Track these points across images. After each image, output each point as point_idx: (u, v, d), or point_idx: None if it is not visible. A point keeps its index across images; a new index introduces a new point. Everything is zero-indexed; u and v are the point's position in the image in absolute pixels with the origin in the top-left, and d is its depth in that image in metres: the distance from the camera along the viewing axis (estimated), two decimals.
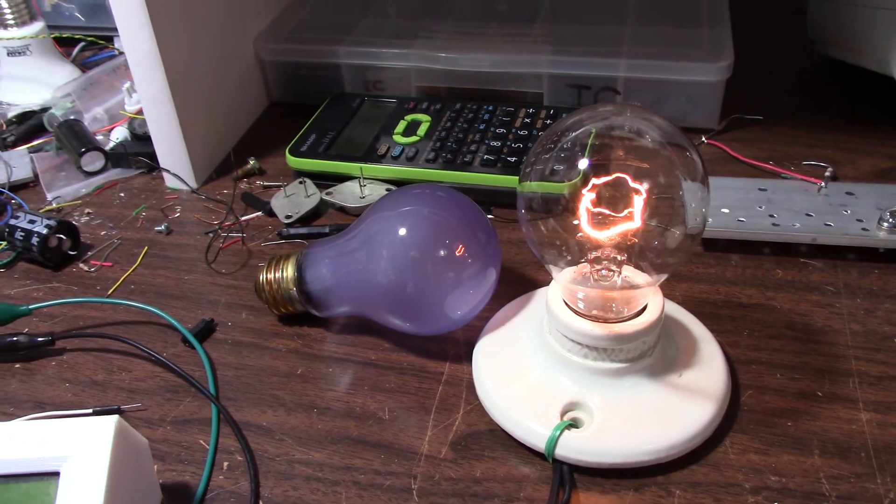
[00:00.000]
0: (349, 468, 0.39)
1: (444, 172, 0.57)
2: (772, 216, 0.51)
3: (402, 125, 0.62)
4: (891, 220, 0.49)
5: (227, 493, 0.38)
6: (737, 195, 0.53)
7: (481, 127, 0.61)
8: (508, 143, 0.59)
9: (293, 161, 0.60)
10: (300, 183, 0.58)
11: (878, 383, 0.42)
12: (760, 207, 0.52)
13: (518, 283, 0.49)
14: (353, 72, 0.68)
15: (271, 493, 0.38)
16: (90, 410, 0.43)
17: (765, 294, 0.48)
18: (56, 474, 0.33)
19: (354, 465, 0.39)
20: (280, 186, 0.59)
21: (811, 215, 0.51)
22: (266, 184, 0.61)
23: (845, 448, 0.38)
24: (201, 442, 0.41)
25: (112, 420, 0.34)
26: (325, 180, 0.58)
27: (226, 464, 0.40)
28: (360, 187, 0.57)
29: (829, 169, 0.57)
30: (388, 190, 0.56)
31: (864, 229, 0.49)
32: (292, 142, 0.61)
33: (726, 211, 0.52)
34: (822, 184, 0.54)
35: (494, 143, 0.59)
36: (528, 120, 0.61)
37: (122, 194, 0.61)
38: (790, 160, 0.59)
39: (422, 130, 0.61)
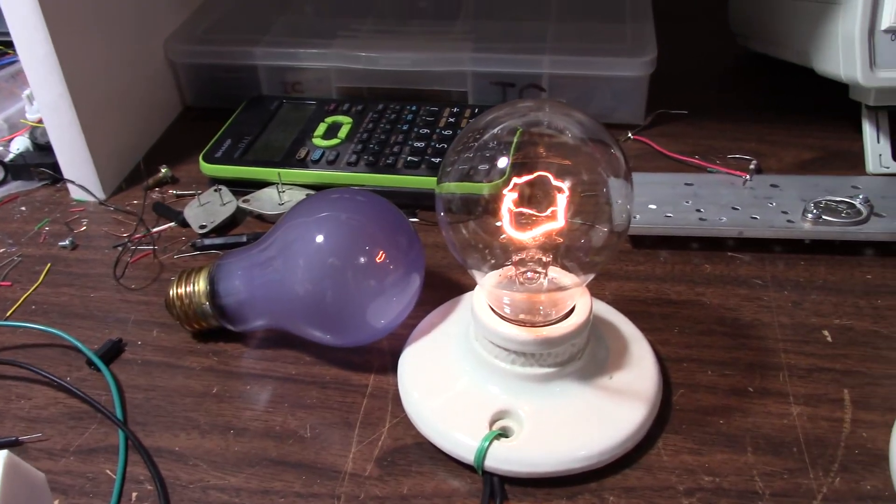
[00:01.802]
0: (268, 492, 0.37)
1: (367, 175, 0.55)
2: (699, 211, 0.51)
3: (322, 128, 0.59)
4: (814, 211, 0.49)
5: None
6: (663, 190, 0.53)
7: (404, 128, 0.59)
8: (433, 143, 0.57)
9: (207, 168, 0.57)
10: (215, 191, 0.55)
11: (808, 376, 0.41)
12: (687, 202, 0.52)
13: (444, 288, 0.48)
14: (271, 73, 0.66)
15: None
16: None
17: (694, 290, 0.47)
18: None
19: (274, 489, 0.37)
20: (194, 195, 0.56)
21: (737, 209, 0.51)
22: (179, 192, 0.58)
23: (777, 443, 0.38)
24: (108, 472, 0.38)
25: (0, 456, 0.32)
26: (242, 187, 0.56)
27: (134, 494, 0.37)
28: (279, 193, 0.54)
29: (754, 162, 0.57)
30: (307, 196, 0.54)
31: (789, 221, 0.49)
32: (206, 148, 0.58)
33: (653, 207, 0.51)
34: (747, 177, 0.54)
35: (418, 144, 0.57)
36: (452, 119, 0.60)
37: (23, 208, 0.57)
38: (715, 154, 0.59)
39: (343, 133, 0.59)
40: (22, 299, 0.49)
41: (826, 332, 0.44)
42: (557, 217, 0.36)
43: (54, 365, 0.44)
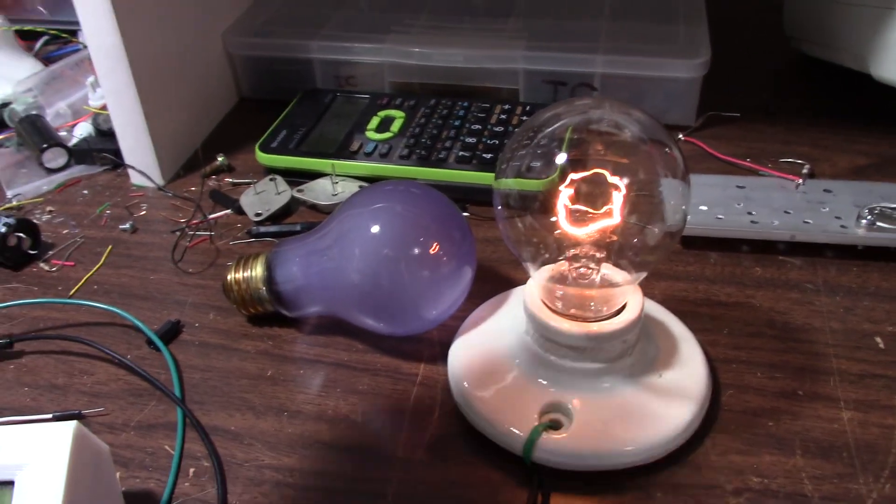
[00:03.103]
0: (321, 473, 0.38)
1: (419, 169, 0.55)
2: (750, 213, 0.51)
3: (375, 121, 0.60)
4: (869, 217, 0.49)
5: (193, 500, 0.37)
6: (714, 192, 0.53)
7: (456, 123, 0.60)
8: (484, 139, 0.58)
9: (263, 157, 0.58)
10: (270, 180, 0.57)
11: (859, 381, 0.41)
12: (739, 205, 0.52)
13: (494, 281, 0.48)
14: (325, 67, 0.67)
15: (239, 499, 0.37)
16: (50, 416, 0.41)
17: (744, 292, 0.47)
18: (11, 483, 0.31)
19: (327, 470, 0.38)
20: (250, 183, 0.57)
21: (789, 213, 0.51)
22: (235, 181, 0.59)
23: (827, 448, 0.38)
24: (166, 447, 0.39)
25: (70, 426, 0.33)
26: (297, 177, 0.57)
27: (192, 470, 0.38)
28: (333, 184, 0.55)
29: (807, 166, 0.56)
30: (360, 187, 0.55)
31: (842, 227, 0.49)
32: (262, 138, 0.59)
33: (704, 208, 0.51)
34: (800, 181, 0.54)
35: (470, 140, 0.58)
36: (503, 116, 0.60)
37: (85, 192, 0.59)
38: (767, 157, 0.58)
39: (395, 126, 0.59)
40: (85, 279, 0.50)
41: (878, 339, 0.43)
42: (613, 214, 0.37)
43: (115, 343, 0.46)
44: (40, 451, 0.32)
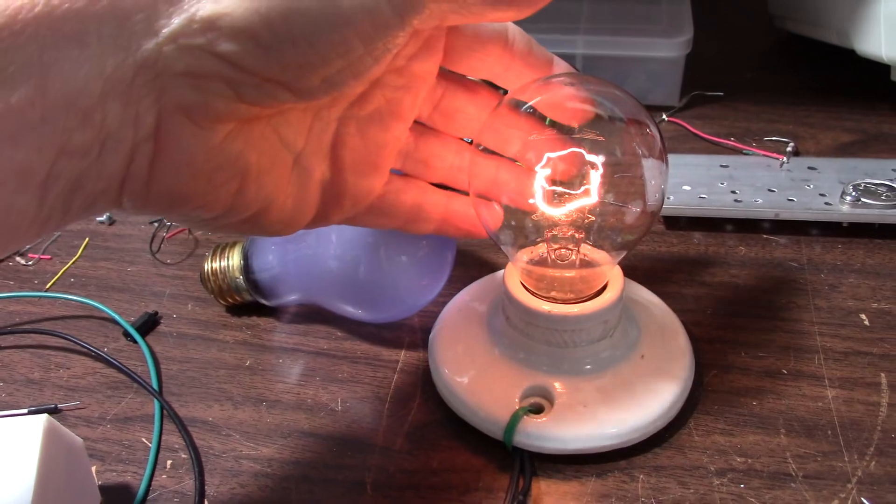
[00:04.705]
0: (299, 463, 0.37)
1: None
2: (734, 192, 0.50)
3: None
4: (853, 193, 0.48)
5: (170, 492, 0.36)
6: (698, 172, 0.52)
7: None
8: None
9: None
10: None
11: (844, 359, 0.41)
12: (722, 184, 0.51)
13: (475, 266, 0.48)
14: None
15: (217, 491, 0.36)
16: (25, 410, 0.40)
17: (728, 272, 0.47)
18: None
19: (305, 460, 0.37)
20: None
21: (773, 191, 0.50)
22: None
23: (811, 426, 0.37)
24: (143, 440, 0.39)
25: (41, 420, 0.32)
26: None
27: (169, 462, 0.38)
28: None
29: (791, 144, 0.56)
30: None
31: (826, 204, 0.49)
32: None
33: (688, 188, 0.51)
34: (784, 159, 0.53)
35: None
36: None
37: None
38: (751, 136, 0.58)
39: None
40: (61, 272, 0.50)
41: (863, 316, 0.43)
42: (591, 193, 0.36)
43: (92, 336, 0.45)
44: (10, 447, 0.31)
